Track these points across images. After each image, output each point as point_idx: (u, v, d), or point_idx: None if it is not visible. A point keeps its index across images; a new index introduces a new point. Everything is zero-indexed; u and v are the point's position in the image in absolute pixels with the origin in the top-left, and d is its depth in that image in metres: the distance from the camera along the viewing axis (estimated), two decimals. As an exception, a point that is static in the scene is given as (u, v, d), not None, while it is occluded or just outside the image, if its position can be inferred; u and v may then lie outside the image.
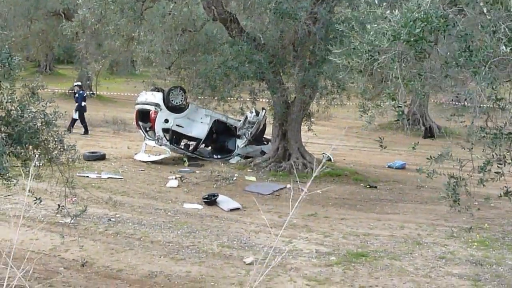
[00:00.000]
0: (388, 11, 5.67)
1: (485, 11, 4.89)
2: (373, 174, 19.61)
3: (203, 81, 16.02)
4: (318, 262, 11.50)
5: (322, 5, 15.81)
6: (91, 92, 35.95)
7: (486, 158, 6.95)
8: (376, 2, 6.06)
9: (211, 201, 15.18)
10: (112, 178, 17.41)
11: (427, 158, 8.14)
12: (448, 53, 5.61)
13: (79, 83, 27.76)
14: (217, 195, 15.37)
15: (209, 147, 21.36)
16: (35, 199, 8.43)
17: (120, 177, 17.60)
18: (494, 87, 5.72)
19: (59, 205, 9.03)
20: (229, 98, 16.80)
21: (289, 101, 18.42)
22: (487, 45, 4.92)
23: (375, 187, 17.79)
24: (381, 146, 7.98)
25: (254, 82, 17.44)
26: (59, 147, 8.55)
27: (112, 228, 13.16)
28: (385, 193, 17.25)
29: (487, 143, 6.83)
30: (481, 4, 4.89)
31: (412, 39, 5.27)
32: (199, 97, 18.07)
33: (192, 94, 18.13)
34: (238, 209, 14.95)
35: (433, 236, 13.36)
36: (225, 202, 15.20)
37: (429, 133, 29.11)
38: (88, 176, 17.40)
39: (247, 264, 11.36)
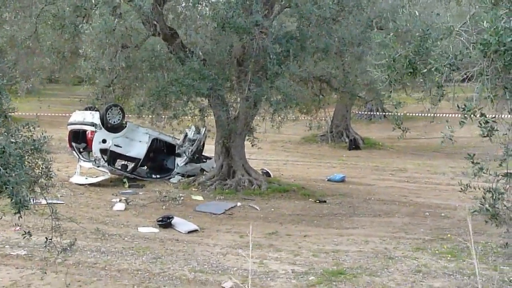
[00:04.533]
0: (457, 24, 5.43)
1: None
2: (317, 188, 19.45)
3: (154, 99, 15.37)
4: (299, 283, 11.13)
5: (273, 19, 15.59)
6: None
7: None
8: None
9: (166, 223, 14.54)
10: (52, 203, 16.33)
11: (463, 173, 7.91)
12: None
13: None
14: (172, 217, 14.74)
15: (145, 167, 20.56)
16: (24, 233, 7.70)
17: (61, 202, 16.60)
18: None
19: (46, 238, 8.26)
20: (182, 116, 16.23)
21: (232, 117, 18.02)
22: None
23: (325, 201, 17.63)
24: (473, 162, 7.51)
25: (203, 99, 16.93)
26: (46, 173, 7.84)
27: (71, 257, 12.23)
28: (336, 207, 17.11)
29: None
30: None
31: (502, 49, 5.04)
32: (144, 116, 17.34)
33: (136, 113, 17.34)
34: (196, 230, 14.38)
35: (400, 249, 13.29)
36: (182, 224, 14.59)
37: (354, 145, 29.42)
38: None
39: (226, 289, 10.86)
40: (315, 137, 31.17)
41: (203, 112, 16.85)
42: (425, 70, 5.83)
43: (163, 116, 16.91)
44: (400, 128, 8.58)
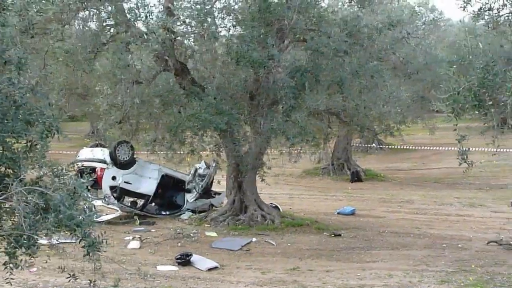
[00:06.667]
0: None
1: None
2: (329, 222, 19.25)
3: (171, 135, 15.17)
4: (332, 320, 10.93)
5: (286, 52, 15.56)
6: None
7: None
8: None
9: (185, 261, 14.28)
10: (65, 242, 16.02)
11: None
12: None
13: None
14: (191, 254, 14.49)
15: (153, 203, 20.25)
16: (68, 276, 7.56)
17: (73, 240, 16.23)
18: None
19: (90, 281, 8.07)
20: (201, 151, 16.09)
21: (243, 152, 17.83)
22: None
23: (340, 235, 17.44)
24: None
25: (216, 134, 16.75)
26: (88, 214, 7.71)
27: (94, 299, 11.94)
28: (353, 241, 16.91)
29: None
30: None
31: None
32: (159, 152, 17.10)
33: (148, 149, 17.07)
34: (216, 268, 14.12)
35: (425, 282, 13.11)
36: (201, 261, 14.34)
37: (356, 177, 29.26)
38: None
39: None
40: (316, 170, 31.00)
41: (219, 147, 16.71)
42: (490, 103, 5.76)
43: (179, 152, 16.73)
44: (466, 162, 8.43)
